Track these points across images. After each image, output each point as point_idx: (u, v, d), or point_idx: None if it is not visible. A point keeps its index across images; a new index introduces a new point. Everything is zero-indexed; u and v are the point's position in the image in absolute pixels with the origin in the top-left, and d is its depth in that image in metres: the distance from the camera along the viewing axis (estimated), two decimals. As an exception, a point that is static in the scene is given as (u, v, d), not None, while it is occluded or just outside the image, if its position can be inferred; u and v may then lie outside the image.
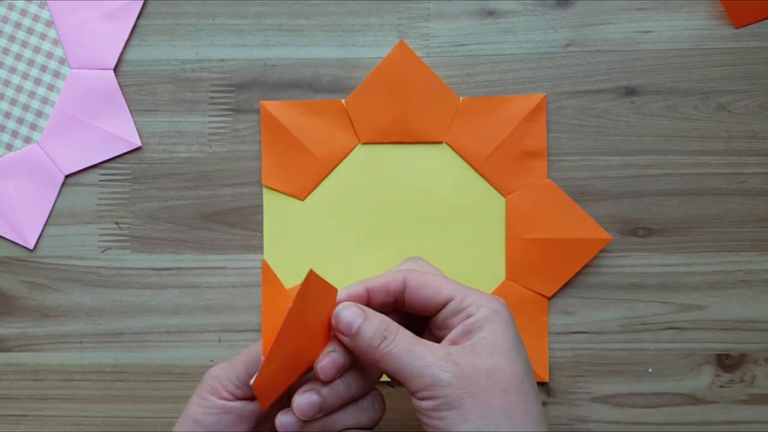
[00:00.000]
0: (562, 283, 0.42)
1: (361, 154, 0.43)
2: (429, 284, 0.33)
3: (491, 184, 0.43)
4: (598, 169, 0.43)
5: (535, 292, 0.42)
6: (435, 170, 0.43)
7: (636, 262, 0.42)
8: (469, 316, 0.31)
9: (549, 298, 0.42)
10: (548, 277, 0.42)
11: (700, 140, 0.42)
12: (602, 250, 0.42)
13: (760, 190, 0.42)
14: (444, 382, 0.29)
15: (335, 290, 0.32)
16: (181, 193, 0.43)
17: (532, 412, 0.30)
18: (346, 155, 0.43)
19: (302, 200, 0.43)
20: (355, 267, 0.43)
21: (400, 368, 0.30)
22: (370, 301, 0.33)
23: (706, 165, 0.42)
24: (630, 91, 0.43)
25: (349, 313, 0.31)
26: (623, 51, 0.43)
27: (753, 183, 0.42)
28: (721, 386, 0.42)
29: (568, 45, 0.43)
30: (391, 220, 0.43)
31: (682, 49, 0.43)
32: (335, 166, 0.43)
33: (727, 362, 0.42)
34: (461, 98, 0.43)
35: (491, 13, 0.43)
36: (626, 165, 0.43)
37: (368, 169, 0.43)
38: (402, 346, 0.30)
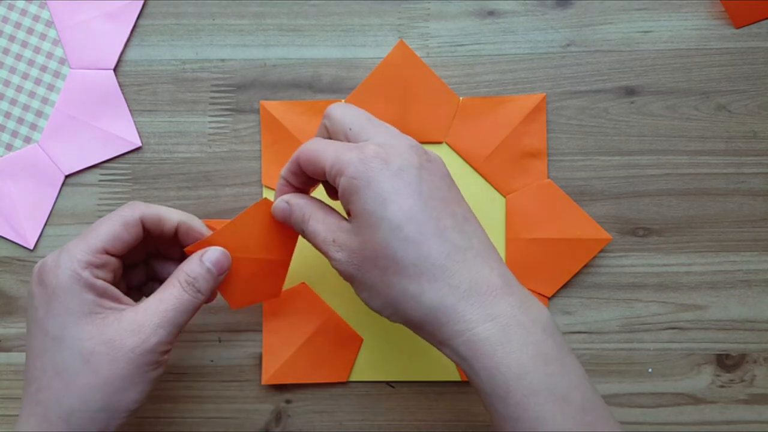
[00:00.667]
0: (562, 283, 0.42)
1: (361, 154, 0.43)
2: (311, 157, 0.34)
3: (491, 184, 0.43)
4: (598, 169, 0.43)
5: (535, 292, 0.42)
6: None
7: (636, 262, 0.42)
8: (337, 188, 0.33)
9: (549, 298, 0.42)
10: (548, 277, 0.42)
11: (700, 140, 0.43)
12: (602, 250, 0.42)
13: (760, 190, 0.42)
14: (334, 264, 0.33)
15: (267, 200, 0.37)
16: (181, 193, 0.43)
17: (407, 268, 0.31)
18: (346, 155, 0.43)
19: (302, 200, 0.43)
20: None
21: (319, 249, 0.34)
22: (294, 187, 0.37)
23: (706, 165, 0.43)
24: (630, 91, 0.43)
25: (279, 211, 0.36)
26: (623, 51, 0.43)
27: (753, 183, 0.42)
28: (721, 386, 0.42)
29: (568, 45, 0.43)
30: None
31: (682, 49, 0.43)
32: (335, 166, 0.43)
33: (727, 362, 0.42)
34: (461, 98, 0.43)
35: (491, 13, 0.43)
36: (626, 165, 0.43)
37: (368, 169, 0.43)
38: (311, 233, 0.34)
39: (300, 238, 0.39)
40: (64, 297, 0.33)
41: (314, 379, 0.42)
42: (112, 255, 0.35)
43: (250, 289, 0.38)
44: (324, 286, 0.43)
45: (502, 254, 0.42)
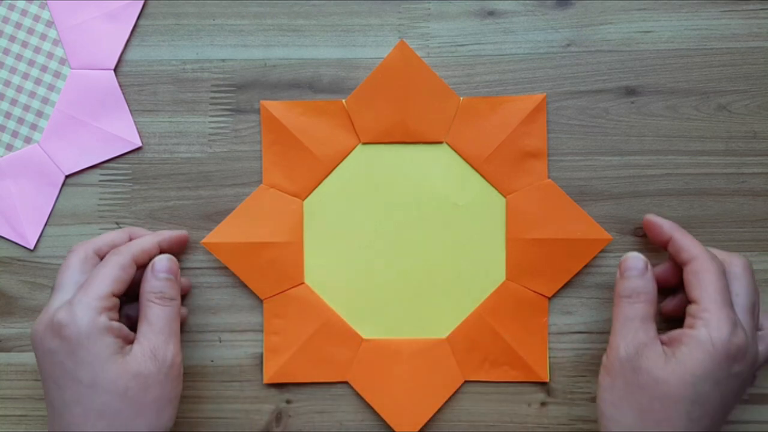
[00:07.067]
0: (562, 283, 0.42)
1: (361, 154, 0.43)
2: (698, 275, 0.36)
3: (491, 184, 0.43)
4: (598, 169, 0.43)
5: (535, 292, 0.42)
6: (435, 170, 0.43)
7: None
8: (690, 326, 0.35)
9: (549, 298, 0.42)
10: (548, 278, 0.42)
11: (700, 140, 0.43)
12: (602, 250, 0.42)
13: (760, 190, 0.42)
14: (615, 351, 0.36)
15: (266, 187, 0.43)
16: (181, 194, 0.43)
17: (667, 427, 0.34)
18: (347, 155, 0.43)
19: (303, 200, 0.43)
20: (355, 267, 0.43)
21: (614, 319, 0.37)
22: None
23: (706, 165, 0.43)
24: (630, 91, 0.43)
25: (633, 261, 0.38)
26: (623, 51, 0.43)
27: (753, 183, 0.42)
28: (721, 386, 0.42)
29: (568, 45, 0.43)
30: (391, 220, 0.43)
31: (682, 49, 0.43)
32: (336, 166, 0.43)
33: (727, 362, 0.42)
34: (461, 98, 0.43)
35: (491, 14, 0.43)
36: (626, 165, 0.43)
37: (369, 169, 0.43)
38: (624, 314, 0.37)
39: (305, 219, 0.43)
40: (89, 345, 0.35)
41: (315, 379, 0.42)
42: (116, 296, 0.37)
43: (273, 277, 0.42)
44: (324, 286, 0.43)
45: (503, 254, 0.42)
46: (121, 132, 0.43)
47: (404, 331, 0.43)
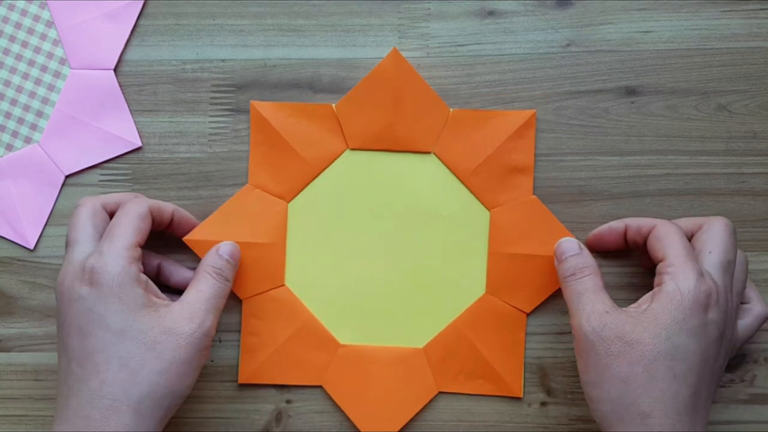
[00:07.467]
0: (541, 300, 0.42)
1: (348, 159, 0.43)
2: (660, 237, 0.37)
3: (476, 197, 0.42)
4: (598, 169, 0.43)
5: (513, 307, 0.42)
6: (421, 180, 0.42)
7: (636, 262, 0.42)
8: (659, 284, 0.35)
9: (528, 314, 0.42)
10: (528, 293, 0.42)
11: (700, 140, 0.43)
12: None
13: (760, 190, 0.42)
14: (579, 330, 0.35)
15: (251, 187, 0.43)
16: (181, 194, 0.43)
17: (655, 391, 0.33)
18: (334, 160, 0.43)
19: (288, 202, 0.43)
20: (336, 271, 0.43)
21: (567, 303, 0.37)
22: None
23: (706, 165, 0.43)
24: (630, 91, 0.43)
25: (565, 246, 0.39)
26: (623, 51, 0.43)
27: (753, 183, 0.42)
28: (721, 386, 0.42)
29: (568, 45, 0.43)
30: (374, 226, 0.43)
31: (682, 49, 0.43)
32: (322, 170, 0.43)
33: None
34: (451, 110, 0.42)
35: (491, 14, 0.43)
36: (626, 165, 0.43)
37: (355, 175, 0.43)
38: (574, 291, 0.37)
39: (289, 221, 0.42)
40: (120, 292, 0.35)
41: (290, 381, 0.42)
42: (140, 247, 0.37)
43: (253, 278, 0.42)
44: (305, 289, 0.43)
45: (483, 268, 0.42)
46: (121, 132, 0.43)
47: (382, 338, 0.42)
